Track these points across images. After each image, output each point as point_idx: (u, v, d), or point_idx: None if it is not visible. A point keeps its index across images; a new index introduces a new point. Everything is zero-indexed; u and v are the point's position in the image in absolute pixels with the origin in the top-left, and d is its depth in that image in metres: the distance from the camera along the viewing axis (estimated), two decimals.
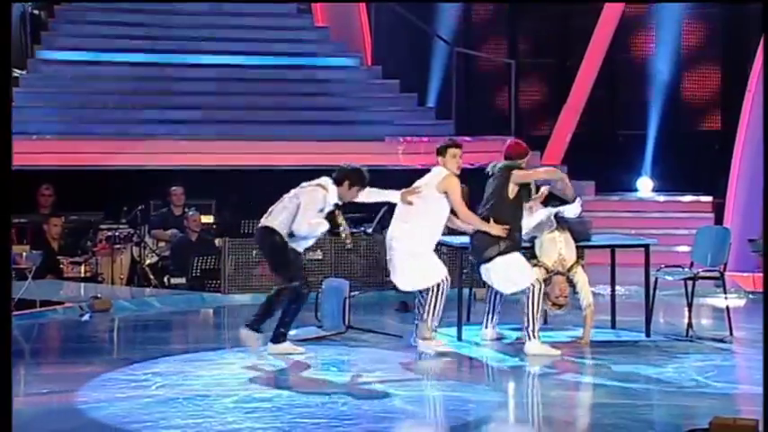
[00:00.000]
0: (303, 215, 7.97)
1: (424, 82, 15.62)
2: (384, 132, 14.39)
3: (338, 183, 8.09)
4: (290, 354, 8.13)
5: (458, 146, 8.39)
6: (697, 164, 14.68)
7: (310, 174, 8.36)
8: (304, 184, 8.20)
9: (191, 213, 12.53)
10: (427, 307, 8.20)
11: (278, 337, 8.21)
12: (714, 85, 15.98)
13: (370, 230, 11.29)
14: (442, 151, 8.37)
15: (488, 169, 8.52)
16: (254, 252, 11.27)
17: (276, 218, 8.07)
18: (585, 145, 14.83)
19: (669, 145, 15.18)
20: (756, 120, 13.38)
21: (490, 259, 8.29)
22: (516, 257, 8.32)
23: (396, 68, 15.59)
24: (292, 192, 8.16)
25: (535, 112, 16.19)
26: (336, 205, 8.20)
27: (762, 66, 13.16)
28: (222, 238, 11.83)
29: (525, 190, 8.44)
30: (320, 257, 11.93)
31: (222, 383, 7.21)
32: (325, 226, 8.13)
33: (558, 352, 8.19)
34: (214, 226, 13.02)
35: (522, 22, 16.35)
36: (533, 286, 8.21)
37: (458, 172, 8.32)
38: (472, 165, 10.85)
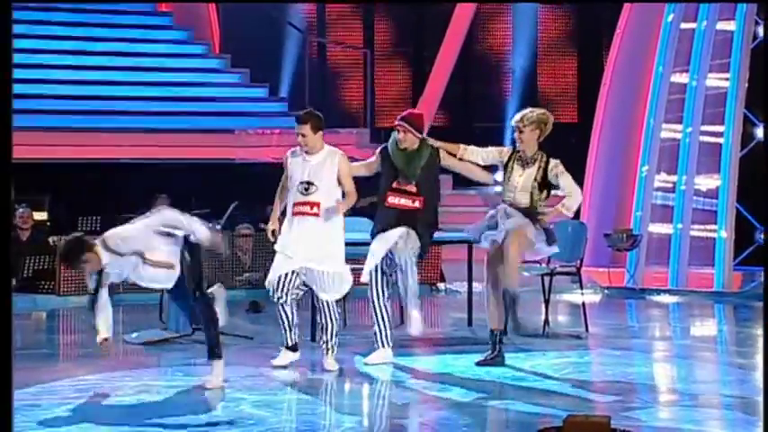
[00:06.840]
0: None
1: (276, 72, 15.22)
2: (233, 124, 13.93)
3: None
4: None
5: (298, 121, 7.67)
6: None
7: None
8: None
9: (20, 210, 11.65)
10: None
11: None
12: (570, 78, 16.04)
13: (218, 227, 10.80)
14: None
15: None
16: None
17: None
18: (442, 138, 14.64)
19: None
20: (611, 113, 13.43)
21: None
22: None
23: (246, 57, 15.13)
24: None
25: (391, 104, 15.95)
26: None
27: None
28: (57, 236, 11.18)
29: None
30: None
31: (55, 392, 6.75)
32: None
33: None
34: (48, 223, 12.31)
35: (379, 11, 16.09)
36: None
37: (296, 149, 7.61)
38: None
